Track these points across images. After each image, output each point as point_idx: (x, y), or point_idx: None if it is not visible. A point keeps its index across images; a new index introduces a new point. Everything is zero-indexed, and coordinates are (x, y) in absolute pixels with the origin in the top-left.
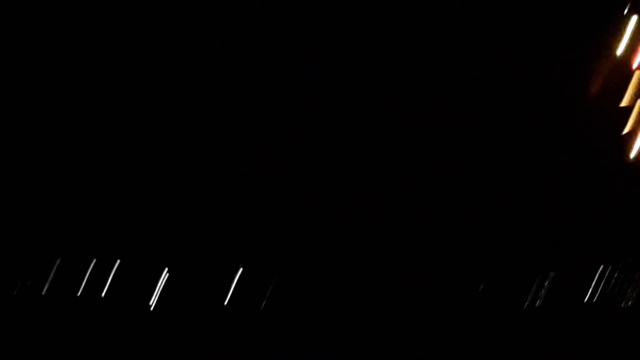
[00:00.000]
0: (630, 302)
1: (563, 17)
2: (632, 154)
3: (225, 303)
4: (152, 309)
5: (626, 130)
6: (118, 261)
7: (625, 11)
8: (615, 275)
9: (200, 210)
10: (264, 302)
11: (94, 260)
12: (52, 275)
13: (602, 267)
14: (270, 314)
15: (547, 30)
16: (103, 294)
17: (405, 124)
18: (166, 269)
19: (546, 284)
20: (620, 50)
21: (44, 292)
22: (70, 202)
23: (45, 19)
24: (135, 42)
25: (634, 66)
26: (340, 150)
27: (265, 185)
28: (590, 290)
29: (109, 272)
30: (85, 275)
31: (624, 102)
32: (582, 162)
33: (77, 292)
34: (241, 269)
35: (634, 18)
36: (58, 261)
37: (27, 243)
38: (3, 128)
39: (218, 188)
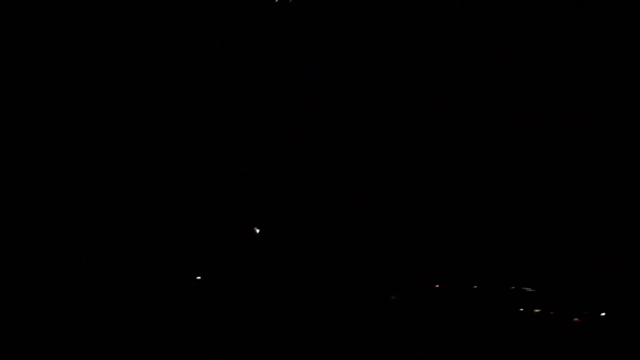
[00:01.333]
0: None
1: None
2: None
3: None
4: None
5: None
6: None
7: None
8: None
9: (200, 210)
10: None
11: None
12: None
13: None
14: (270, 313)
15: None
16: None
17: (405, 123)
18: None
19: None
20: None
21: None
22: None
23: (45, 19)
24: (135, 42)
25: None
26: (340, 150)
27: (264, 185)
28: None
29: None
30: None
31: None
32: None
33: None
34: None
35: None
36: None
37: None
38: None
39: (217, 188)
